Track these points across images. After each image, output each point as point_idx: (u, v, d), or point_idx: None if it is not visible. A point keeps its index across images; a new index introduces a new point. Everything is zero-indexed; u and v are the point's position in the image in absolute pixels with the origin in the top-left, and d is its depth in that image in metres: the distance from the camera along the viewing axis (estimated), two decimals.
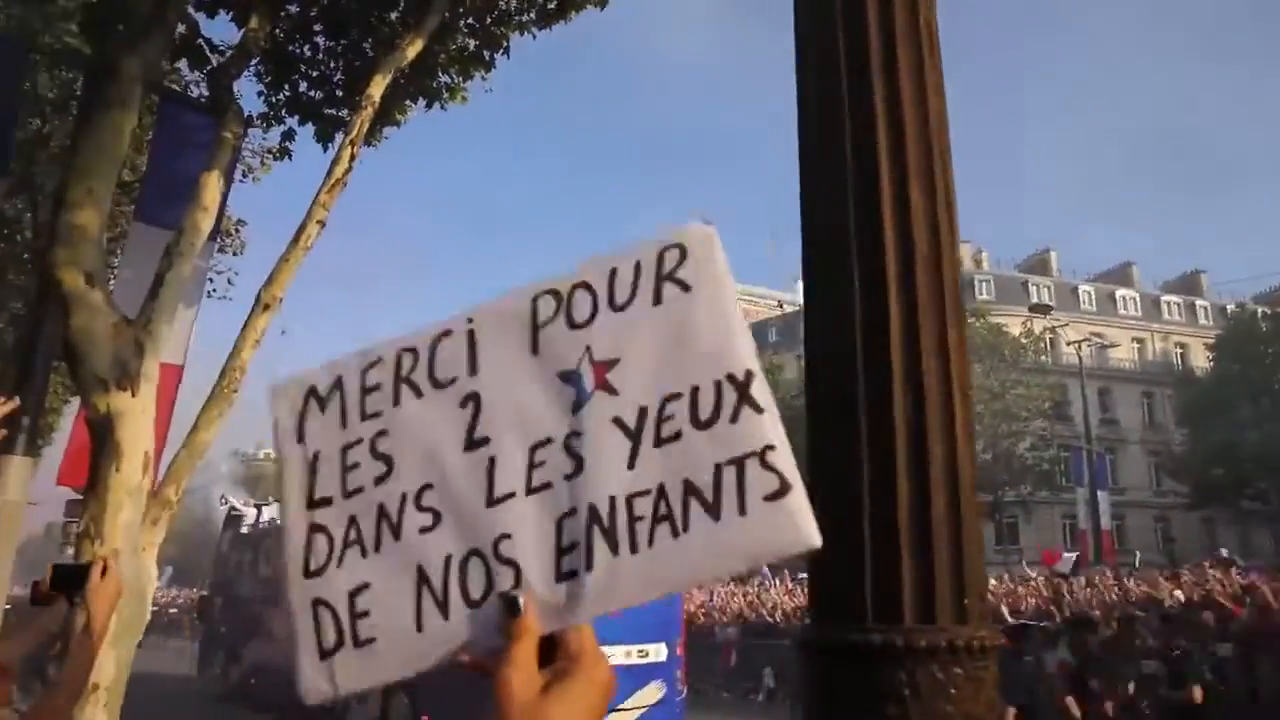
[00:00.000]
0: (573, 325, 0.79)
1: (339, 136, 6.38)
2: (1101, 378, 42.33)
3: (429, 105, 7.42)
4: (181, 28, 6.19)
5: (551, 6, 7.08)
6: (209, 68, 6.48)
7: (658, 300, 0.77)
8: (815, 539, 0.69)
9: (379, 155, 8.16)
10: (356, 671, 0.78)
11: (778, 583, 18.07)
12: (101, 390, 4.77)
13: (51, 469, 8.28)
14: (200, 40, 6.56)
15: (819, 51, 2.01)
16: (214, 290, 13.20)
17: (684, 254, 0.78)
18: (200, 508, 46.30)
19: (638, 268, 0.79)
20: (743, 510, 0.70)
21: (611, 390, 0.77)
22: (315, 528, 0.83)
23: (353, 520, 0.81)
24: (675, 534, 0.71)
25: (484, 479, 0.77)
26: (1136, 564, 18.20)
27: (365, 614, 0.78)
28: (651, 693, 8.49)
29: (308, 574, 0.82)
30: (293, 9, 6.77)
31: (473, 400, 0.81)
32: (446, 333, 0.84)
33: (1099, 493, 27.92)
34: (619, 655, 8.31)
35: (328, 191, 5.55)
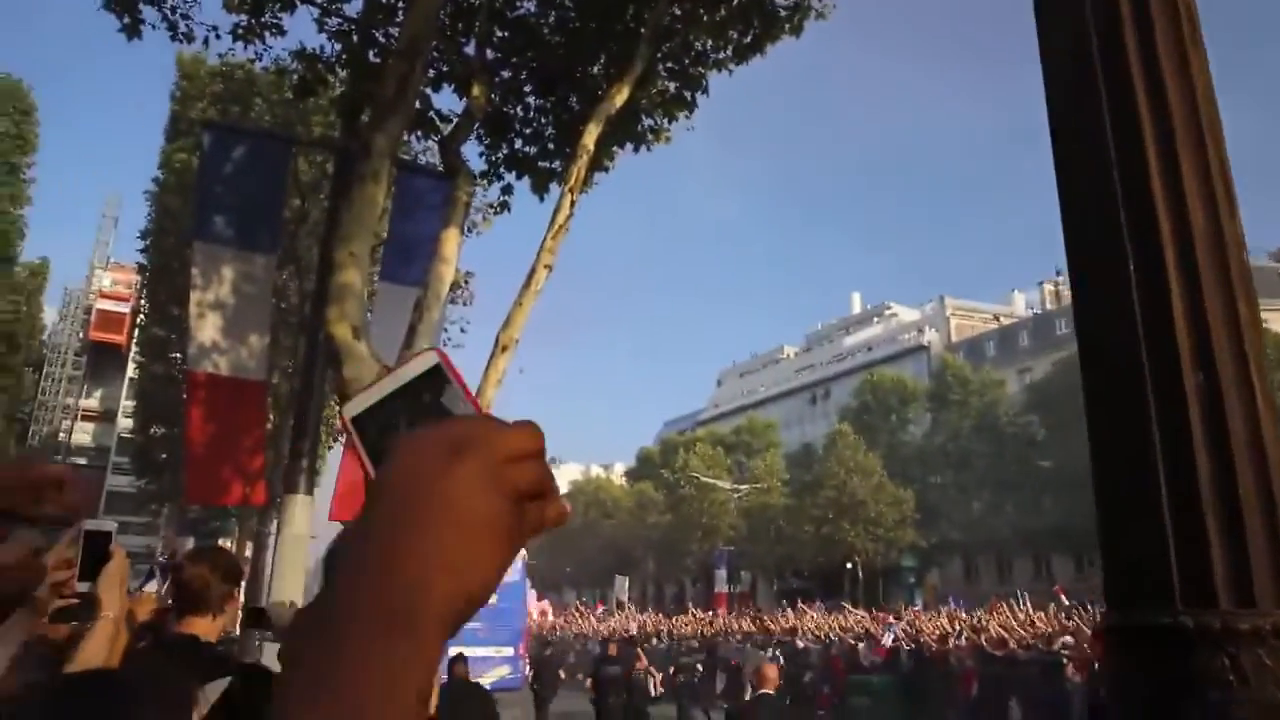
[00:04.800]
0: None
1: (553, 187, 6.88)
2: None
3: (636, 149, 7.85)
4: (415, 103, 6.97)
5: (747, 42, 7.23)
6: (439, 136, 7.22)
7: None
8: None
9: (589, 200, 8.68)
10: None
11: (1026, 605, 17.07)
12: None
13: (321, 508, 9.29)
14: (431, 113, 7.35)
15: (1066, 30, 2.01)
16: (449, 339, 14.07)
17: None
18: None
19: None
20: None
21: None
22: None
23: None
24: None
25: None
26: None
27: None
28: (503, 671, 16.89)
29: None
30: (505, 74, 7.42)
31: None
32: None
33: None
34: (487, 651, 15.93)
35: (553, 237, 6.01)
